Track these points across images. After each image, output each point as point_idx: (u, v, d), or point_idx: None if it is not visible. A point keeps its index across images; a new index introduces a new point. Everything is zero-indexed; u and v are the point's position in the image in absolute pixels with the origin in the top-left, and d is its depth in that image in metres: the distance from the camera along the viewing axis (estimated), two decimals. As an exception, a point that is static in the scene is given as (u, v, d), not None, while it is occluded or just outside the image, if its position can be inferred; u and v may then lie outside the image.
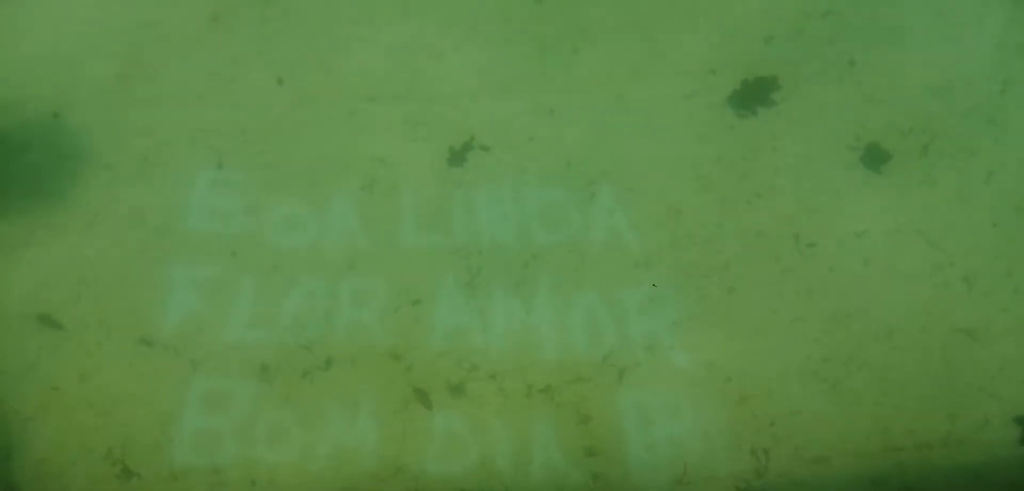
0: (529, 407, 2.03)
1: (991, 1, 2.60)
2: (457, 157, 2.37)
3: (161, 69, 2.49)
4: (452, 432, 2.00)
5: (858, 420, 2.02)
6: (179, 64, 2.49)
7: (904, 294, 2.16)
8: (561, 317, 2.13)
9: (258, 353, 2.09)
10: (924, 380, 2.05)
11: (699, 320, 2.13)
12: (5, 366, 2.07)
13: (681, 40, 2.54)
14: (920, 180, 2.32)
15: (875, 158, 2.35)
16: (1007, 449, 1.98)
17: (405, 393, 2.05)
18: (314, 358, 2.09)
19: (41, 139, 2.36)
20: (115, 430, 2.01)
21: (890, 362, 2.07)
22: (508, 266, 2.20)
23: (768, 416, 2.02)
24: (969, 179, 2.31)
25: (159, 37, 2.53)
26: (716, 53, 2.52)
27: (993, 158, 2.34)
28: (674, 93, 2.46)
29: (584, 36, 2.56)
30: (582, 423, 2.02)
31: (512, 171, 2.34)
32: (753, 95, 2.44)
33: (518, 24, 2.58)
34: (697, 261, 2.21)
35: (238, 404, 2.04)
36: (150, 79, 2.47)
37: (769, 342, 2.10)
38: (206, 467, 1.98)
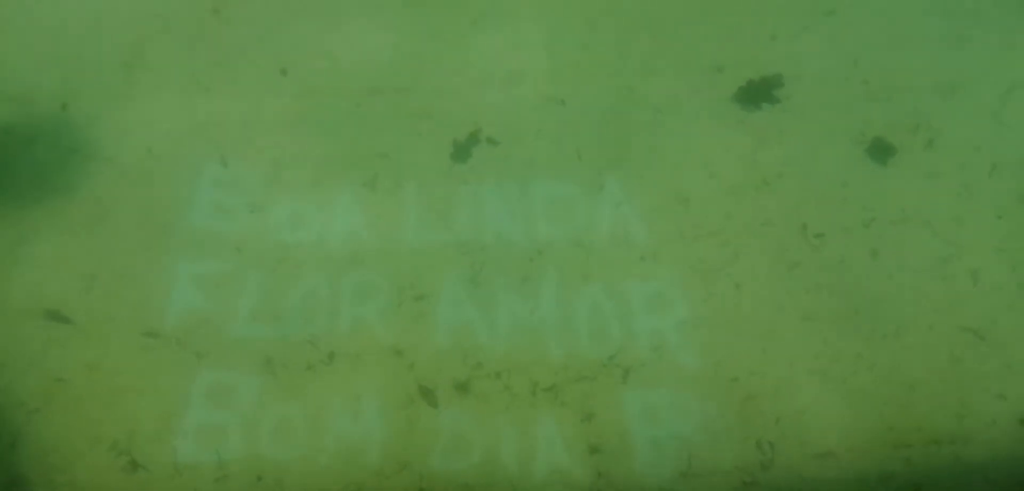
0: (534, 405, 2.02)
1: (996, 2, 2.57)
2: (461, 151, 2.35)
3: (165, 61, 2.48)
4: (458, 430, 2.00)
5: (865, 417, 2.01)
6: (183, 56, 2.49)
7: (912, 290, 2.15)
8: (566, 314, 2.13)
9: (262, 347, 2.09)
10: (931, 379, 2.04)
11: (706, 319, 2.12)
12: (11, 359, 2.08)
13: (688, 37, 2.53)
14: (925, 173, 2.30)
15: (880, 151, 2.34)
16: (1015, 448, 1.97)
17: (409, 390, 2.04)
18: (318, 353, 2.09)
19: (48, 133, 2.36)
20: (121, 422, 2.02)
21: (897, 361, 2.06)
22: (513, 262, 2.20)
23: (774, 412, 2.02)
24: (974, 172, 2.30)
25: (163, 29, 2.52)
26: (722, 50, 2.50)
27: (997, 152, 2.33)
28: (682, 88, 2.45)
29: (593, 29, 2.54)
30: (586, 421, 2.01)
31: (517, 165, 2.33)
32: (758, 92, 2.43)
33: (526, 16, 2.57)
34: (704, 255, 2.20)
35: (243, 398, 2.04)
36: (154, 72, 2.47)
37: (776, 342, 2.09)
38: (211, 461, 1.98)
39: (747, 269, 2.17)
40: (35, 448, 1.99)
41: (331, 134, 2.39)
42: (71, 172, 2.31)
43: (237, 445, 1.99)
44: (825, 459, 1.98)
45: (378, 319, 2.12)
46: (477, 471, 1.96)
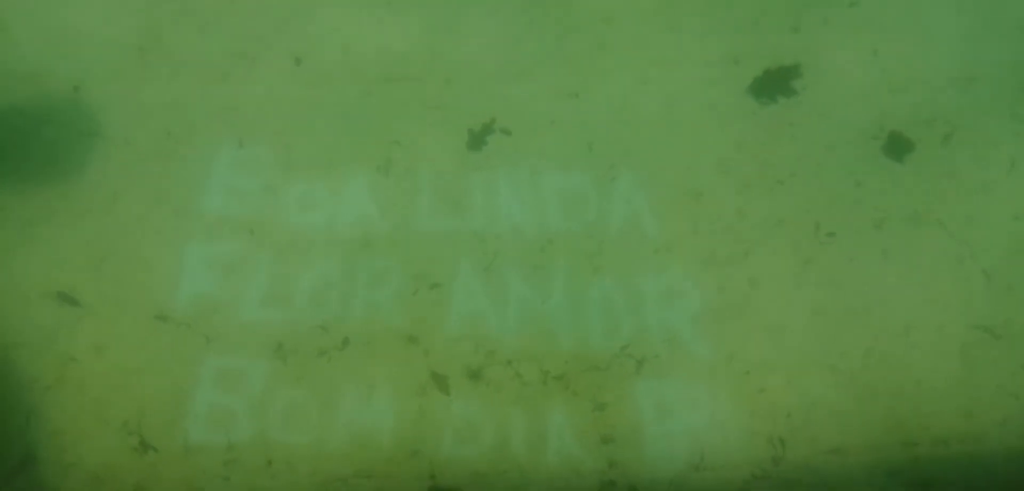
0: (545, 394, 2.03)
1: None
2: (476, 140, 2.35)
3: (180, 45, 2.48)
4: (469, 417, 2.01)
5: (874, 413, 2.02)
6: (198, 41, 2.48)
7: (923, 288, 2.14)
8: (578, 305, 2.13)
9: (273, 331, 2.10)
10: (941, 376, 2.04)
11: (719, 312, 2.12)
12: (23, 338, 2.09)
13: (705, 28, 2.51)
14: (942, 171, 2.29)
15: (897, 147, 2.32)
16: (1025, 446, 1.98)
17: (422, 377, 2.05)
18: (330, 338, 2.09)
19: (61, 113, 2.36)
20: (131, 403, 2.03)
21: (907, 358, 2.06)
22: (525, 252, 2.20)
23: (785, 407, 2.02)
24: (991, 171, 2.29)
25: (179, 13, 2.52)
26: (739, 42, 2.48)
27: (1016, 150, 2.31)
28: (696, 80, 2.43)
29: (608, 21, 2.53)
30: (598, 410, 2.02)
31: (531, 155, 2.33)
32: (775, 84, 2.41)
33: (541, 6, 2.56)
34: (717, 250, 2.19)
35: (252, 382, 2.05)
36: (170, 55, 2.46)
37: (788, 335, 2.09)
38: (221, 444, 1.99)
39: (759, 265, 2.17)
40: (48, 426, 2.00)
41: (344, 120, 2.38)
42: (83, 153, 2.30)
43: (247, 429, 2.00)
44: (835, 454, 1.99)
45: (393, 306, 2.13)
46: (488, 458, 1.97)
